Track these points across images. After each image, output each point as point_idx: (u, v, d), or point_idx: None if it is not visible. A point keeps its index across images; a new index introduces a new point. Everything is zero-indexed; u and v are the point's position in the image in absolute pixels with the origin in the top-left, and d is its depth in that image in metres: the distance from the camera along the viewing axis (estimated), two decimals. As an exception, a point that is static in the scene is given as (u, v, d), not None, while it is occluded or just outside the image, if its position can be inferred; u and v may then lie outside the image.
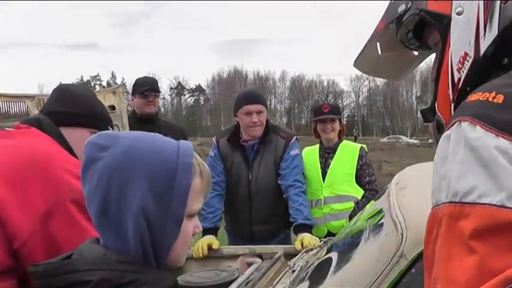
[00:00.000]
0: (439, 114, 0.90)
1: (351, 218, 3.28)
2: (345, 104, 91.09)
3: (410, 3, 0.92)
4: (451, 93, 0.85)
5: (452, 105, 0.86)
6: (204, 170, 1.01)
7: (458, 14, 0.83)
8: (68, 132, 1.59)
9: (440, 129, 0.89)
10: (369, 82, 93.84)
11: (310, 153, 3.53)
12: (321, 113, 3.49)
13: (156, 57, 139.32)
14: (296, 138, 3.31)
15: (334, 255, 1.87)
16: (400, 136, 56.07)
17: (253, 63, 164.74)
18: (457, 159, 0.62)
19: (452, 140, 0.65)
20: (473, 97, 0.68)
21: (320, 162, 3.46)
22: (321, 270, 1.86)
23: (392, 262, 1.37)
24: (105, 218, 0.93)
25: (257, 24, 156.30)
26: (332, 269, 1.72)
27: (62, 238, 1.36)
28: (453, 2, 0.84)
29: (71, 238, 1.27)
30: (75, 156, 1.54)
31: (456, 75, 0.84)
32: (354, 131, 73.68)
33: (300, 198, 3.17)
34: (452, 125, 0.66)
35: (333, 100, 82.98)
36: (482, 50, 0.80)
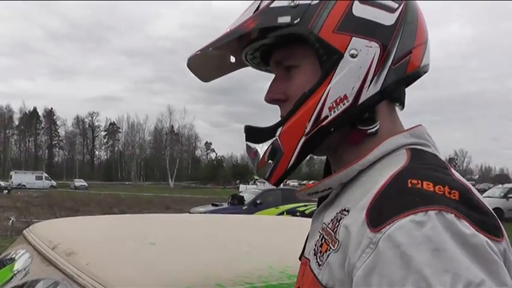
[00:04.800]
0: (279, 140, 0.84)
1: None
2: None
3: (298, 20, 0.81)
4: (309, 126, 0.82)
5: (304, 138, 0.82)
6: None
7: (352, 56, 0.80)
8: None
9: (274, 155, 0.85)
10: None
11: None
12: None
13: None
14: None
15: None
16: None
17: None
18: (454, 251, 0.63)
19: (438, 229, 0.64)
20: (426, 186, 0.70)
21: None
22: None
23: None
24: None
25: None
26: None
27: None
28: (351, 41, 0.80)
29: None
30: None
31: (325, 112, 0.81)
32: None
33: None
34: (424, 211, 0.66)
35: None
36: (361, 99, 0.81)
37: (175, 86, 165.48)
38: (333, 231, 0.79)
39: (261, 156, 0.86)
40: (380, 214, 0.69)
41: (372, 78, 0.81)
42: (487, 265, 0.63)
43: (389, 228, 0.66)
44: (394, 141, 0.83)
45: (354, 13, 0.81)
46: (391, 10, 0.83)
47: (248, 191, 20.17)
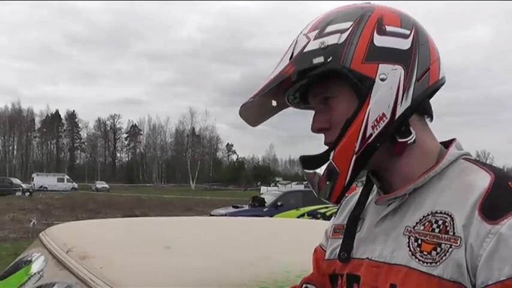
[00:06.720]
0: (333, 162, 0.95)
1: None
2: None
3: (331, 58, 0.94)
4: (358, 145, 0.94)
5: (355, 156, 0.94)
6: None
7: (382, 80, 0.93)
8: None
9: (331, 176, 0.96)
10: None
11: None
12: None
13: None
14: None
15: None
16: None
17: None
18: None
19: None
20: None
21: None
22: None
23: None
24: None
25: None
26: None
27: None
28: (379, 68, 0.93)
29: None
30: None
31: (369, 131, 0.93)
32: None
33: None
34: None
35: None
36: (398, 114, 0.93)
37: (196, 88, 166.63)
38: (438, 232, 0.89)
39: (320, 179, 0.98)
40: (495, 210, 0.83)
41: (403, 95, 0.93)
42: None
43: (509, 219, 0.81)
44: (454, 153, 0.98)
45: (376, 44, 0.94)
46: (405, 36, 0.96)
47: (269, 193, 20.17)
